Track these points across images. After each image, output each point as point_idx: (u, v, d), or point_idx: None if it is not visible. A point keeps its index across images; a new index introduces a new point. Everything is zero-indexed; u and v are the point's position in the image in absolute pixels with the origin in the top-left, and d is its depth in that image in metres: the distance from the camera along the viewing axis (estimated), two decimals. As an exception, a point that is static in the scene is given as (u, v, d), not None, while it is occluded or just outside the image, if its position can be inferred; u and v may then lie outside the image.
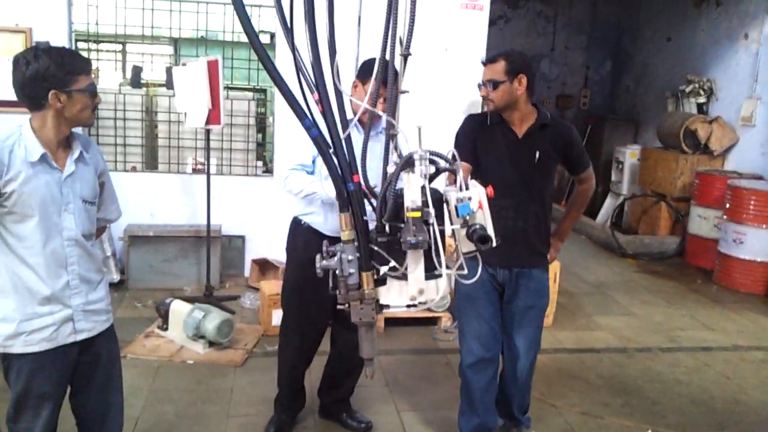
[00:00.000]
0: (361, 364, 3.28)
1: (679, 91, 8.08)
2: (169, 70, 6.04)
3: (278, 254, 5.47)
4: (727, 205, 6.33)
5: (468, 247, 2.02)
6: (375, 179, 2.88)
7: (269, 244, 5.37)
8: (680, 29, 8.55)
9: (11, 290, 2.10)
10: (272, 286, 4.58)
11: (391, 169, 2.11)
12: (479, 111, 2.97)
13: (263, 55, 1.61)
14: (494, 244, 1.89)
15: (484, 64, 2.90)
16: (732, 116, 7.37)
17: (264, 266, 5.50)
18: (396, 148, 2.16)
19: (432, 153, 2.02)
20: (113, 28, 5.57)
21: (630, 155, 8.34)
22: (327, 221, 2.99)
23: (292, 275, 3.14)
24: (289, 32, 1.72)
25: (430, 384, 3.87)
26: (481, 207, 1.98)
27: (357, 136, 2.85)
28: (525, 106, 2.86)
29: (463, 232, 1.97)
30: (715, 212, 6.70)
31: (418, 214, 1.90)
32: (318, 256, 1.97)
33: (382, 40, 1.73)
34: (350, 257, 1.93)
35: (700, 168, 7.24)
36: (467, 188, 2.00)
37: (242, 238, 5.59)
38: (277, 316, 4.43)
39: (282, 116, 5.34)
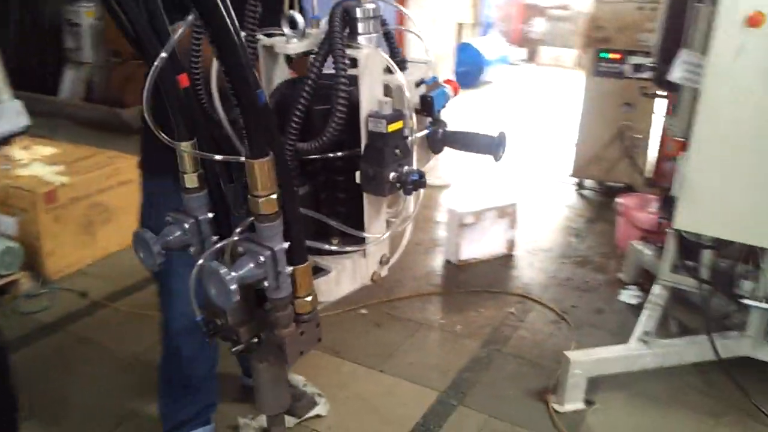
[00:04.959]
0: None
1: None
2: None
3: None
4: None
5: (422, 162, 1.23)
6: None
7: None
8: None
9: None
10: None
11: (303, 45, 1.05)
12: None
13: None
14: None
15: None
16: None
17: None
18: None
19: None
20: None
21: (86, 14, 7.08)
22: None
23: None
24: None
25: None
26: (456, 91, 1.20)
27: None
28: None
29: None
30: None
31: (399, 124, 1.02)
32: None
33: None
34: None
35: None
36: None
37: None
38: None
39: None
